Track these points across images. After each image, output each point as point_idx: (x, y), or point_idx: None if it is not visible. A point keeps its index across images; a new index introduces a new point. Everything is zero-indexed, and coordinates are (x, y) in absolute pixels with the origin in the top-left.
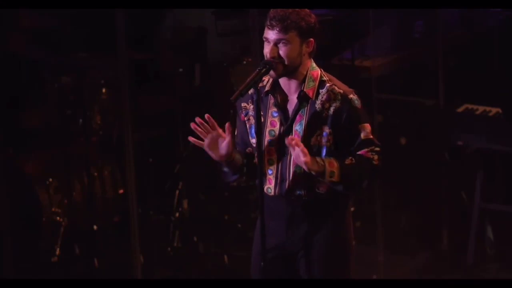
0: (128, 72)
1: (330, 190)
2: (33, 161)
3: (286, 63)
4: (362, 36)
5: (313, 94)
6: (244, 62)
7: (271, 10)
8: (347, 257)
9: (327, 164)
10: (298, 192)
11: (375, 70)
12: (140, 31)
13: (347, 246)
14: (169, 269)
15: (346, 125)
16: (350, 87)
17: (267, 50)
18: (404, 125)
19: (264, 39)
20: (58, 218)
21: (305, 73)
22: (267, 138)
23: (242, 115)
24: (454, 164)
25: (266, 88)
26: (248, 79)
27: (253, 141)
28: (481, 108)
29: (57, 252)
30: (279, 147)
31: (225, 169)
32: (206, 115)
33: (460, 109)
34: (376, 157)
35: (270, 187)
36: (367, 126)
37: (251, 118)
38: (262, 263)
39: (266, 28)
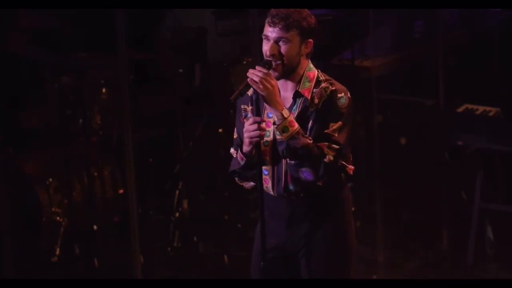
0: (128, 72)
1: (327, 187)
2: (33, 161)
3: (285, 62)
4: (362, 36)
5: (308, 94)
6: (244, 62)
7: (273, 9)
8: (347, 257)
9: (289, 118)
10: (295, 191)
11: (375, 70)
12: (140, 31)
13: (347, 246)
14: (169, 269)
15: (322, 117)
16: (350, 87)
17: (266, 47)
18: (404, 125)
19: (263, 37)
20: (58, 218)
21: (302, 73)
22: None
23: (242, 116)
24: (454, 164)
25: None
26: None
27: None
28: (481, 108)
29: (57, 252)
30: (274, 148)
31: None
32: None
33: (460, 109)
34: (331, 154)
35: (268, 186)
36: (338, 125)
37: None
38: (262, 263)
39: (266, 26)
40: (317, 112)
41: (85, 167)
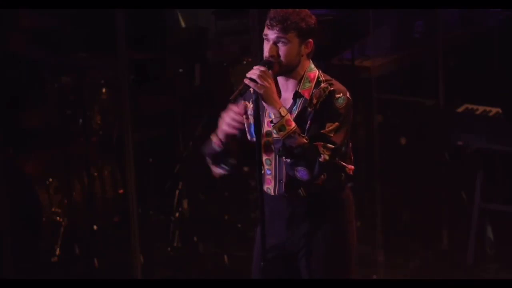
0: (128, 72)
1: (328, 186)
2: (33, 161)
3: (284, 62)
4: (362, 36)
5: (308, 94)
6: (244, 62)
7: (272, 9)
8: (347, 257)
9: (287, 117)
10: (295, 191)
11: (375, 70)
12: (140, 31)
13: (347, 246)
14: (169, 269)
15: (320, 119)
16: (349, 87)
17: (266, 48)
18: (404, 125)
19: (264, 36)
20: (58, 218)
21: (302, 73)
22: (264, 139)
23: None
24: (454, 164)
25: None
26: None
27: (253, 139)
28: (481, 108)
29: (57, 252)
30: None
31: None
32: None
33: (460, 109)
34: (326, 153)
35: (269, 187)
36: (335, 125)
37: (250, 117)
38: (262, 263)
39: (266, 27)
40: (315, 112)
41: (85, 167)
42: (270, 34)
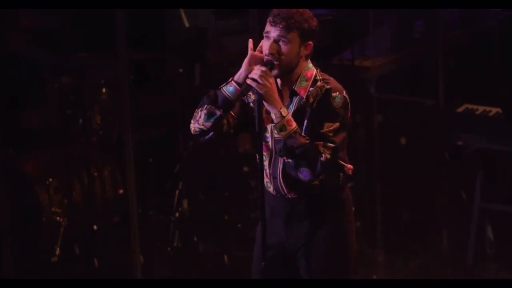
0: (128, 72)
1: (326, 186)
2: (33, 161)
3: (283, 62)
4: (362, 36)
5: (304, 93)
6: None
7: (275, 9)
8: (346, 258)
9: (288, 117)
10: (289, 191)
11: (375, 70)
12: (140, 31)
13: (347, 246)
14: (169, 269)
15: (317, 118)
16: (349, 87)
17: (265, 46)
18: (404, 125)
19: (264, 35)
20: (58, 218)
21: (299, 73)
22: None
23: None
24: (454, 164)
25: None
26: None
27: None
28: (481, 108)
29: (57, 252)
30: (273, 146)
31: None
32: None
33: (460, 109)
34: (327, 153)
35: (268, 181)
36: (335, 126)
37: (251, 104)
38: (262, 263)
39: (268, 24)
40: (312, 111)
41: (85, 167)
42: (272, 32)
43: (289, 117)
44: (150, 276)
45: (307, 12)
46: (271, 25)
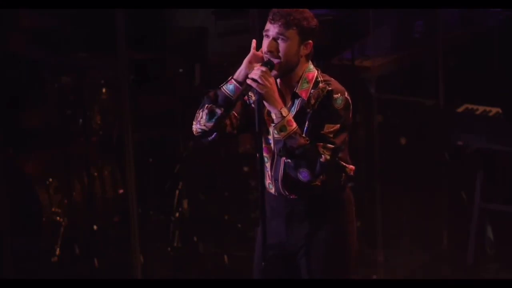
0: (128, 72)
1: (328, 187)
2: (33, 161)
3: (282, 60)
4: (362, 36)
5: (306, 95)
6: None
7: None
8: (347, 258)
9: (288, 117)
10: (290, 191)
11: (375, 70)
12: (140, 31)
13: (347, 246)
14: (169, 269)
15: (318, 119)
16: (349, 87)
17: (265, 44)
18: (404, 125)
19: (264, 33)
20: (58, 218)
21: (301, 74)
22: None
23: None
24: (454, 164)
25: None
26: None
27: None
28: (481, 108)
29: (57, 252)
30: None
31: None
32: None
33: (460, 109)
34: (327, 153)
35: (270, 183)
36: (335, 127)
37: (252, 105)
38: (263, 263)
39: (268, 22)
40: (313, 112)
41: (85, 167)
42: (271, 29)
43: (290, 117)
44: (150, 276)
45: (307, 12)
46: (270, 23)
